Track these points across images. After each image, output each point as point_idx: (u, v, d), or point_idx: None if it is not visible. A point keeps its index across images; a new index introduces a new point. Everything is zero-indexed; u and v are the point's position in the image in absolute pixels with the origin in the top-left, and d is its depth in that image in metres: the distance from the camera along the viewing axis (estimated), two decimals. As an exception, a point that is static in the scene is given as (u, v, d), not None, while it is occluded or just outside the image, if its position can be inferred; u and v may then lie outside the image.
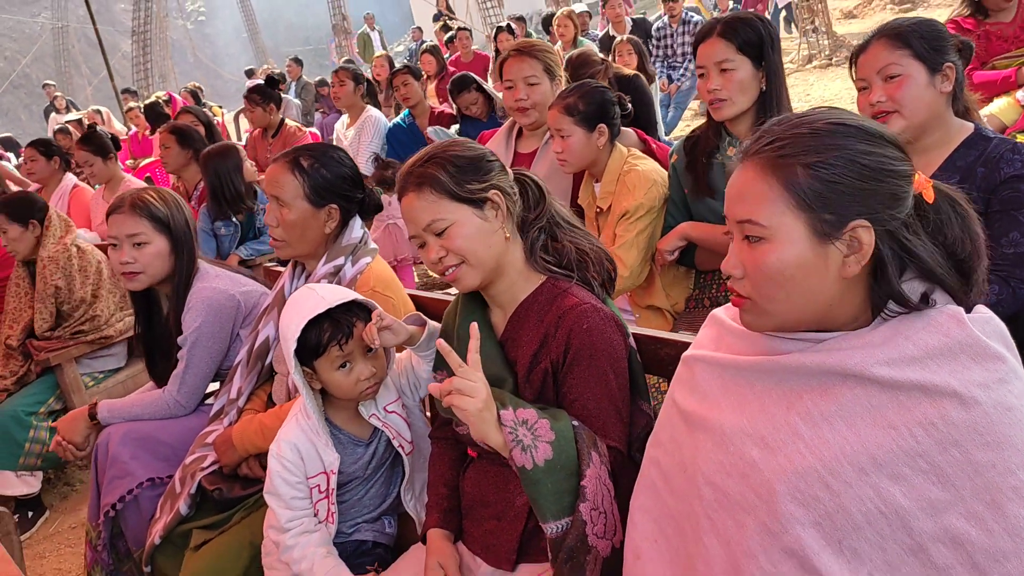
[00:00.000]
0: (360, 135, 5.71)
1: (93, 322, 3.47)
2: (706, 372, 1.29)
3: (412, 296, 2.21)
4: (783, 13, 13.27)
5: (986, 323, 1.09)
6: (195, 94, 10.36)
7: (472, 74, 5.35)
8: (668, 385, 1.44)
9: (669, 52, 8.14)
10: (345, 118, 6.11)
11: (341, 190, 2.12)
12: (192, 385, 2.41)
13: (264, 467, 2.10)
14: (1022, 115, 3.32)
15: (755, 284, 1.14)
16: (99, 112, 10.20)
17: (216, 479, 2.11)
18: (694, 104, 9.26)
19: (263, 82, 5.87)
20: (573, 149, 2.60)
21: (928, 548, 1.00)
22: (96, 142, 4.70)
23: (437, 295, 2.26)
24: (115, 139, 4.99)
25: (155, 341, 2.55)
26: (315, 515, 1.84)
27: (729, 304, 1.32)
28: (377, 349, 1.81)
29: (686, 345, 1.54)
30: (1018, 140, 3.06)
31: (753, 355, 1.21)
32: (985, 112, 3.33)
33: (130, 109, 8.88)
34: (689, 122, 8.97)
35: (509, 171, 1.67)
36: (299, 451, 1.81)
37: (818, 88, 9.74)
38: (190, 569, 1.95)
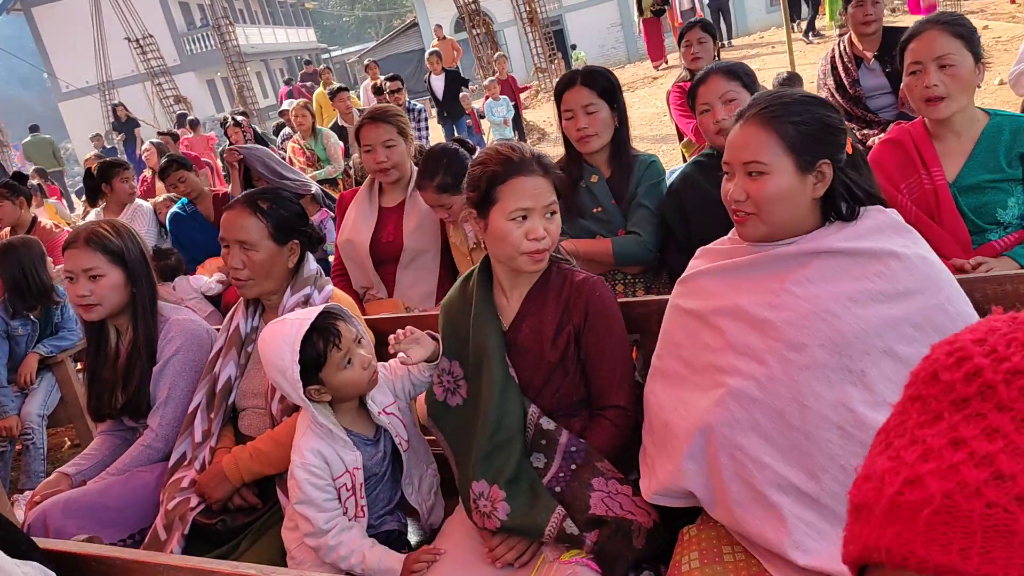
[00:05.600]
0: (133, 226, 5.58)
1: None
2: (706, 280, 1.74)
3: (368, 321, 2.42)
4: None
5: (895, 215, 1.67)
6: None
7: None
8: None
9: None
10: (99, 209, 5.91)
11: (298, 226, 2.31)
12: (172, 418, 2.37)
13: (256, 495, 2.19)
14: None
15: (756, 204, 1.61)
16: None
17: (210, 516, 2.14)
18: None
19: (11, 177, 5.49)
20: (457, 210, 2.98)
21: (895, 348, 1.51)
22: None
23: (385, 315, 2.50)
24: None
25: (102, 371, 2.48)
26: (344, 513, 1.98)
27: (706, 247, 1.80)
28: (365, 342, 2.03)
29: (659, 302, 2.00)
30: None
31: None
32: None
33: None
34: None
35: None
36: (323, 456, 1.95)
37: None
38: (210, 602, 1.97)
